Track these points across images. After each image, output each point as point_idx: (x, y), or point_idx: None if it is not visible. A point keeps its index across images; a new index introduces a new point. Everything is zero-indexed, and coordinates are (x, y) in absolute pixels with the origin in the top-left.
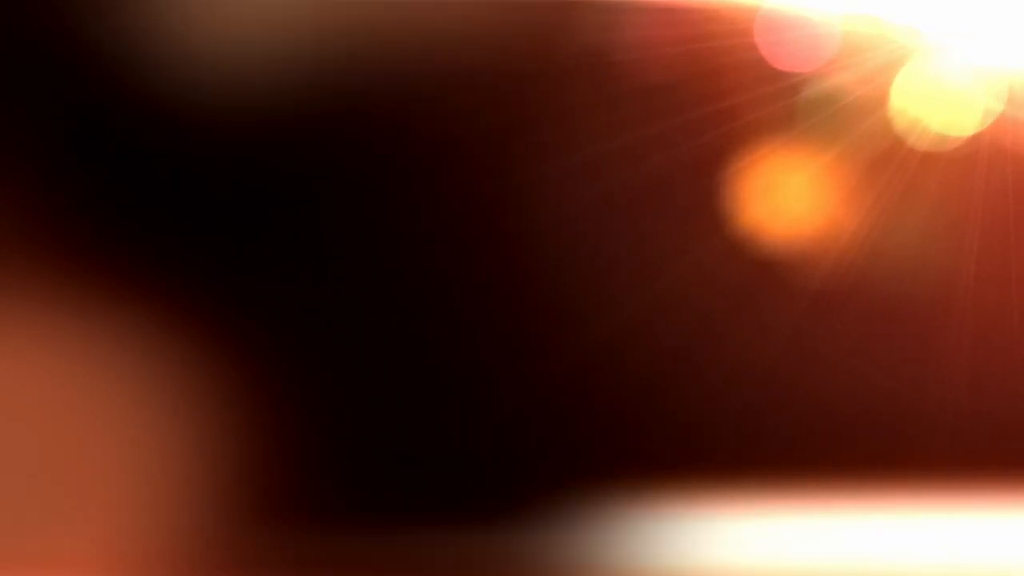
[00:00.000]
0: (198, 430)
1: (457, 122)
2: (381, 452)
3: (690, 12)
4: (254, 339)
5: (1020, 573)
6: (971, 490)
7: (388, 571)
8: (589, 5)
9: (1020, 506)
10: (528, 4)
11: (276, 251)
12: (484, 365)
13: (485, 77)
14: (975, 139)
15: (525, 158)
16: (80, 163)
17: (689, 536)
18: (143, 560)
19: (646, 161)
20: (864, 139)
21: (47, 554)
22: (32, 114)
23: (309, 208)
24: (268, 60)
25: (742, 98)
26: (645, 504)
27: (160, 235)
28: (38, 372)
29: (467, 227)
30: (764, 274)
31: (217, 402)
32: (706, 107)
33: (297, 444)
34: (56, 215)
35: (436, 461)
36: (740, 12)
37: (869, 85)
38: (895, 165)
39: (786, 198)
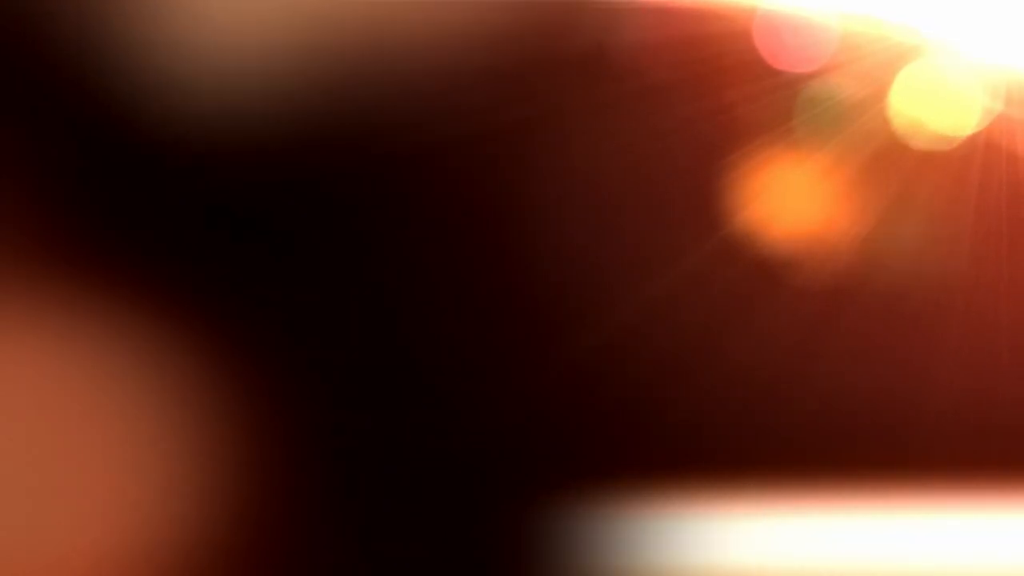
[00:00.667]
0: (199, 434)
1: (456, 122)
2: (380, 453)
3: (690, 12)
4: (254, 340)
5: (1020, 573)
6: (971, 490)
7: (388, 572)
8: (589, 5)
9: (1020, 506)
10: (528, 4)
11: (276, 252)
12: (484, 365)
13: (485, 77)
14: (975, 139)
15: (524, 158)
16: (79, 163)
17: (689, 536)
18: (141, 565)
19: (645, 161)
20: (864, 139)
21: (43, 559)
22: (31, 115)
23: (308, 209)
24: (267, 60)
25: (742, 98)
26: (645, 504)
27: (159, 235)
28: (38, 374)
29: (466, 227)
30: (764, 274)
31: (218, 405)
32: (706, 107)
33: (296, 444)
34: (55, 215)
35: (435, 461)
36: (740, 12)
37: (868, 85)
38: (894, 165)
39: (786, 198)
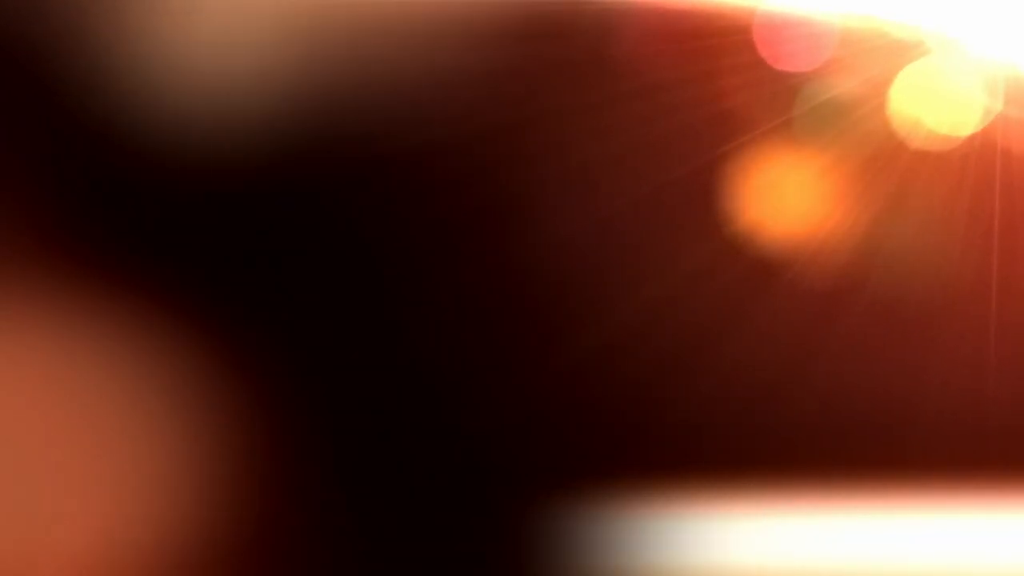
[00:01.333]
0: (200, 435)
1: (455, 123)
2: (380, 455)
3: (690, 12)
4: (255, 342)
5: (1020, 573)
6: (971, 490)
7: (388, 572)
8: (589, 5)
9: (1020, 506)
10: (528, 4)
11: (275, 252)
12: (484, 365)
13: (485, 77)
14: (974, 139)
15: (523, 159)
16: (78, 164)
17: (689, 536)
18: (140, 562)
19: (645, 161)
20: (863, 139)
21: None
22: (30, 115)
23: (308, 210)
24: (266, 61)
25: (741, 98)
26: (645, 504)
27: (158, 235)
28: (36, 375)
29: (465, 228)
30: (763, 274)
31: (219, 406)
32: (705, 107)
33: (296, 446)
34: (54, 215)
35: (436, 462)
36: (740, 12)
37: (869, 85)
38: (894, 165)
39: (785, 198)
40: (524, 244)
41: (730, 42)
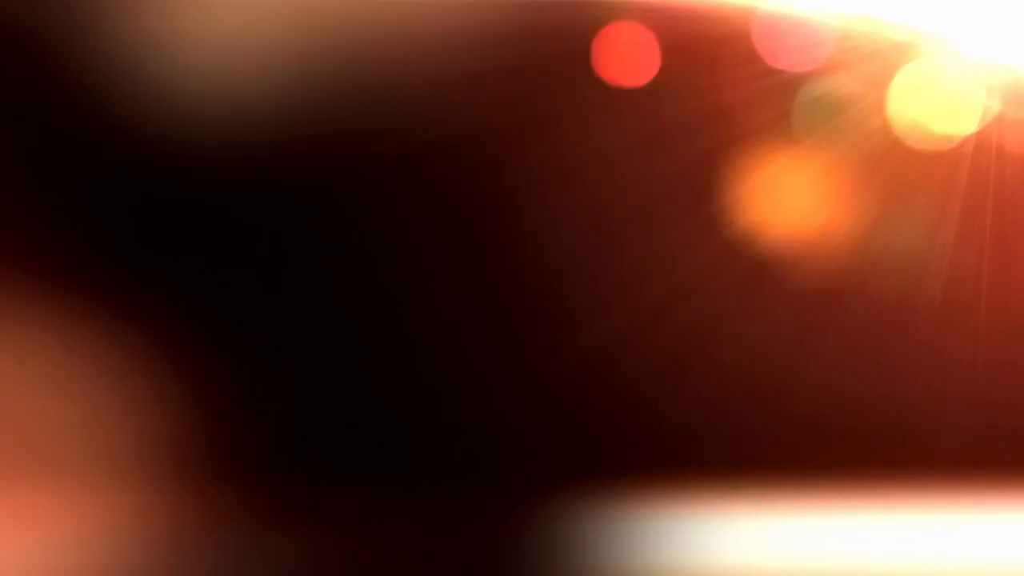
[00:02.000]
0: (202, 437)
1: (455, 122)
2: (381, 454)
3: (690, 12)
4: (254, 337)
5: (1020, 573)
6: (971, 490)
7: (388, 571)
8: (589, 5)
9: (1020, 506)
10: (528, 4)
11: (275, 252)
12: (483, 365)
13: (485, 77)
14: (974, 139)
15: (523, 159)
16: (77, 164)
17: (689, 536)
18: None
19: (645, 161)
20: (863, 139)
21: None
22: (30, 116)
23: (308, 210)
24: (264, 61)
25: (741, 98)
26: (645, 504)
27: (156, 234)
28: (32, 364)
29: (465, 228)
30: (763, 274)
31: (219, 405)
32: (705, 107)
33: (294, 444)
34: (54, 214)
35: (435, 462)
36: (740, 12)
37: (868, 85)
38: (894, 165)
39: (784, 198)
40: (524, 246)
41: (730, 42)
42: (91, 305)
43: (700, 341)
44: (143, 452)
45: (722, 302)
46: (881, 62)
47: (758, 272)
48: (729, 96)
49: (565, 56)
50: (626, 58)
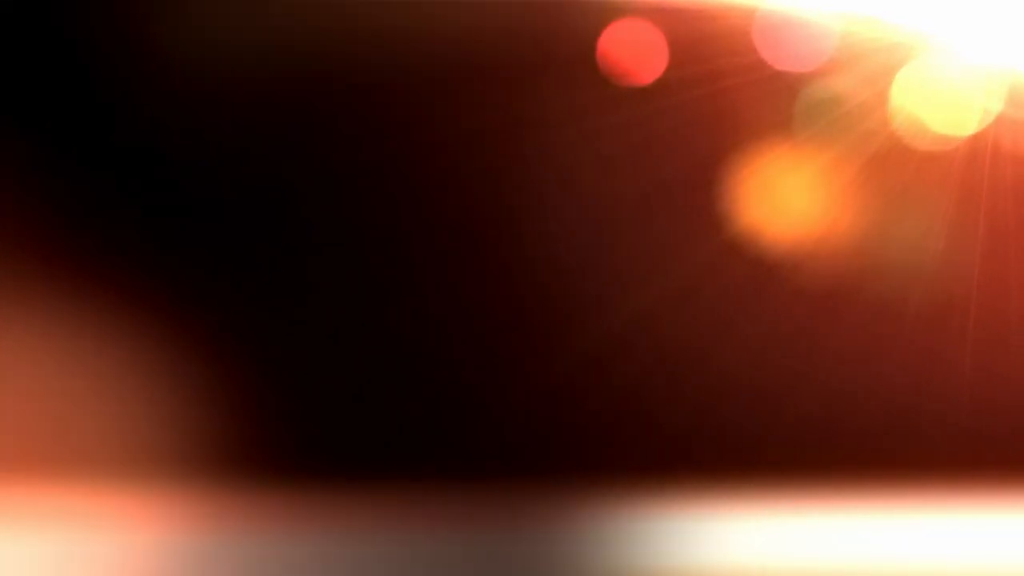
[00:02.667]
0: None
1: (456, 122)
2: (382, 453)
3: (690, 12)
4: (258, 340)
5: (1020, 573)
6: (971, 490)
7: (387, 573)
8: (589, 5)
9: (1020, 506)
10: (528, 4)
11: (274, 252)
12: (484, 365)
13: (485, 77)
14: (975, 139)
15: (524, 159)
16: (77, 162)
17: (689, 536)
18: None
19: (645, 161)
20: (863, 139)
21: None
22: (29, 116)
23: (309, 208)
24: (266, 61)
25: (741, 98)
26: (644, 504)
27: (155, 232)
28: (37, 356)
29: (466, 227)
30: (764, 274)
31: (224, 405)
32: (705, 107)
33: (294, 444)
34: (51, 208)
35: (436, 461)
36: (740, 12)
37: (869, 85)
38: (893, 165)
39: (786, 198)
40: (525, 243)
41: (730, 43)
42: (92, 305)
43: (700, 341)
44: (144, 452)
45: (722, 302)
46: (881, 62)
47: (758, 272)
48: (729, 96)
49: (565, 56)
50: (626, 58)
